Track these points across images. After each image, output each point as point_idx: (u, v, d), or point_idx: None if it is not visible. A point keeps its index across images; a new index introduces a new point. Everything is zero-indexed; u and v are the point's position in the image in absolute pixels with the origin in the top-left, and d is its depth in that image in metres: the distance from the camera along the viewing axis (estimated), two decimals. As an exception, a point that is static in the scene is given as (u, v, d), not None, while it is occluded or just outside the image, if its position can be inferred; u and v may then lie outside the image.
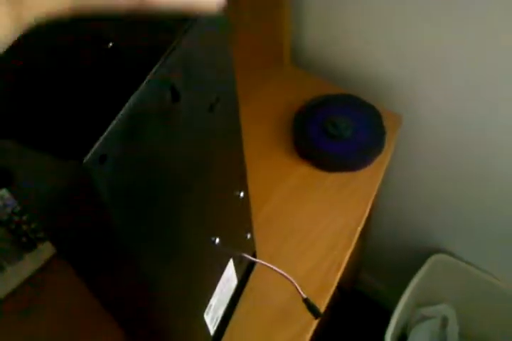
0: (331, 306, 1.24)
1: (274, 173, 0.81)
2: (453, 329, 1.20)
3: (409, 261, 1.19)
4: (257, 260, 0.64)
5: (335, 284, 0.70)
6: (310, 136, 0.84)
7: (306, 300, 0.66)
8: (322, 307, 0.68)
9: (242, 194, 0.55)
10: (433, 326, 1.21)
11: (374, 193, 0.79)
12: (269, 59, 0.95)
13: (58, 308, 0.67)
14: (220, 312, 0.61)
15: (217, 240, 0.51)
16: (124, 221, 0.33)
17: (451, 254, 1.13)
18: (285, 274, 0.65)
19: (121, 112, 0.28)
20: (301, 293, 0.67)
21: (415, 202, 1.10)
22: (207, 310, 0.55)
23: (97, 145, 0.26)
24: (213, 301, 0.56)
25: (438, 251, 1.14)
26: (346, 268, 1.08)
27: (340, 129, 0.83)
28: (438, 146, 0.95)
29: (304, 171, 0.82)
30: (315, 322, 0.68)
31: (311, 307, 0.65)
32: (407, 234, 1.19)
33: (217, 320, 0.60)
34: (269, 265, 0.64)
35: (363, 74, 0.93)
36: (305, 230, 0.76)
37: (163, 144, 0.34)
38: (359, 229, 0.75)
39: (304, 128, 0.85)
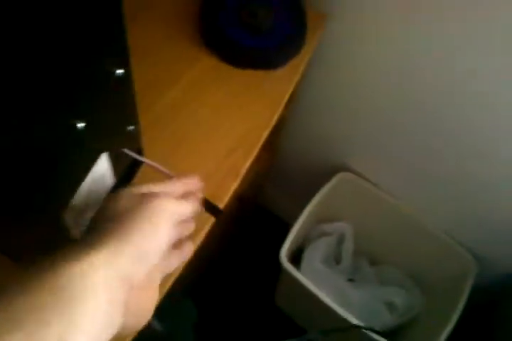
0: (232, 218, 1.20)
1: (174, 63, 0.70)
2: (348, 246, 1.21)
3: (315, 177, 1.15)
4: (139, 157, 0.54)
5: (230, 192, 0.62)
6: (220, 24, 0.72)
7: (204, 199, 0.56)
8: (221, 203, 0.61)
9: (120, 71, 0.44)
10: (330, 242, 1.21)
11: (286, 97, 0.71)
12: None
13: None
14: (89, 216, 0.51)
15: (81, 125, 0.40)
16: None
17: (357, 173, 1.11)
18: (173, 175, 0.54)
19: None
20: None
21: (330, 118, 1.04)
22: (68, 211, 0.45)
23: None
24: (77, 200, 0.47)
25: (344, 169, 1.11)
26: (250, 179, 1.02)
27: (258, 20, 0.72)
28: (360, 58, 0.86)
29: (210, 63, 0.71)
30: (212, 221, 0.61)
31: (210, 206, 0.55)
32: (317, 151, 1.14)
33: (84, 224, 0.51)
34: (153, 163, 0.54)
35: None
36: (204, 130, 0.66)
37: None
38: (265, 134, 0.67)
39: (214, 13, 0.72)
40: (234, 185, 0.63)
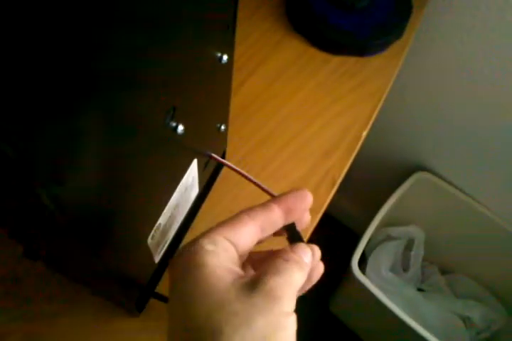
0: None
1: (257, 48, 0.59)
2: (418, 252, 1.10)
3: (387, 179, 1.04)
4: (229, 164, 0.44)
5: (326, 204, 0.52)
6: (308, 1, 0.61)
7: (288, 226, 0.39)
8: (307, 233, 0.51)
9: (225, 57, 0.34)
10: (397, 247, 1.10)
11: (387, 89, 0.60)
12: None
13: None
14: (171, 235, 0.42)
15: (181, 127, 0.31)
16: None
17: (436, 174, 0.99)
18: (264, 187, 0.41)
19: None
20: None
21: (410, 111, 0.92)
22: (153, 232, 0.36)
23: None
24: (163, 219, 0.37)
25: (421, 169, 1.00)
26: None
27: (353, -4, 0.61)
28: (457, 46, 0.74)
29: (298, 49, 0.60)
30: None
31: (293, 233, 0.40)
32: (391, 149, 1.02)
33: (165, 244, 0.42)
34: (244, 173, 0.42)
35: None
36: (293, 127, 0.56)
37: None
38: (364, 133, 0.57)
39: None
40: (330, 196, 0.53)
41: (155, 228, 0.36)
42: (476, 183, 0.98)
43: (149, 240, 0.36)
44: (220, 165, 0.50)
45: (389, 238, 1.11)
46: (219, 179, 0.51)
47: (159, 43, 0.24)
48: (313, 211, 0.51)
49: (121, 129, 0.24)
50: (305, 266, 0.29)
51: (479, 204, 0.99)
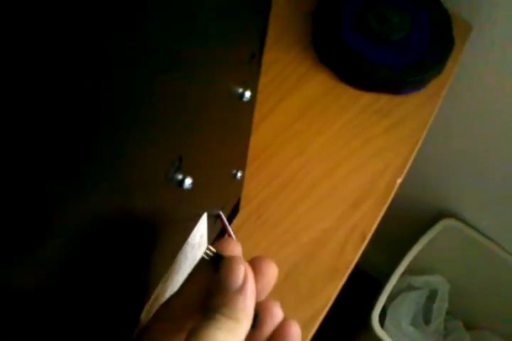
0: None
1: (278, 81, 0.53)
2: (442, 305, 1.01)
3: (411, 226, 0.96)
4: (230, 231, 0.36)
5: (353, 264, 0.45)
6: (339, 32, 0.55)
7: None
8: (332, 295, 0.43)
9: (247, 94, 0.27)
10: (419, 298, 1.01)
11: (425, 130, 0.53)
12: None
13: None
14: (164, 299, 0.35)
15: (188, 180, 0.24)
16: None
17: (463, 221, 0.91)
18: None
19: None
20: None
21: (438, 157, 0.84)
22: (146, 308, 0.29)
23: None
24: (157, 292, 0.30)
25: (448, 216, 0.92)
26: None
27: (389, 27, 0.55)
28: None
29: (325, 83, 0.54)
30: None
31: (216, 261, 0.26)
32: (416, 194, 0.94)
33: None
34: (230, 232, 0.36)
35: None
36: (318, 172, 0.49)
37: None
38: (399, 181, 0.49)
39: (331, 18, 0.56)
40: (358, 253, 0.46)
41: (147, 307, 0.29)
42: (507, 232, 0.91)
43: (143, 316, 0.29)
44: (233, 214, 0.43)
45: (410, 287, 1.02)
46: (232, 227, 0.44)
47: (164, 78, 0.18)
48: (337, 271, 0.44)
49: (108, 186, 0.18)
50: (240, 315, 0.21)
51: (510, 254, 0.91)
